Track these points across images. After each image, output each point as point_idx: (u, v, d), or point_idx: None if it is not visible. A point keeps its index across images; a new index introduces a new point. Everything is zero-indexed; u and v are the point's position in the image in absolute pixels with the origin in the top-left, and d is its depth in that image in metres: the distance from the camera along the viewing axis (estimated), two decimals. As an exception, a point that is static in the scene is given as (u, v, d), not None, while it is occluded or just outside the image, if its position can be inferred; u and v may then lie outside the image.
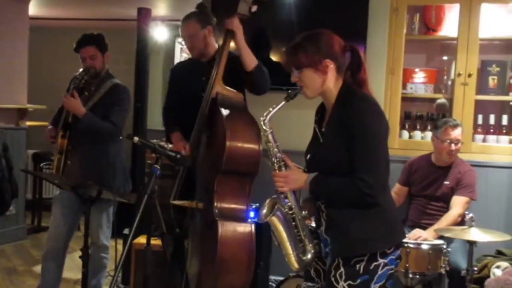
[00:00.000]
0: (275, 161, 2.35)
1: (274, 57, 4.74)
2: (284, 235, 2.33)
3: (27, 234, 6.22)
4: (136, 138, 2.66)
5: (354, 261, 2.25)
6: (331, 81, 2.32)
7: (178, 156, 2.78)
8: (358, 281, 2.24)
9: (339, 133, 2.25)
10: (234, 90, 3.26)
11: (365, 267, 2.24)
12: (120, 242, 3.51)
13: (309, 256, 2.36)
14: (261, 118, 2.36)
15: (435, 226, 3.75)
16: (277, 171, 2.36)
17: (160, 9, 6.59)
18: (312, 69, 2.29)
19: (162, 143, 3.82)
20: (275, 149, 2.36)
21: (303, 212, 2.38)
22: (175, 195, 3.30)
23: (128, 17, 6.71)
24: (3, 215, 5.47)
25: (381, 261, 2.26)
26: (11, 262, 5.38)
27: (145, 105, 6.33)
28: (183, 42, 3.56)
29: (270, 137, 2.35)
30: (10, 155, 5.45)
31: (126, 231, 4.30)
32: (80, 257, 3.22)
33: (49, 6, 6.80)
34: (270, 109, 2.35)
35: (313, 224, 2.49)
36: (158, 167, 2.67)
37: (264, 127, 2.35)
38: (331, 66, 2.30)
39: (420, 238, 3.67)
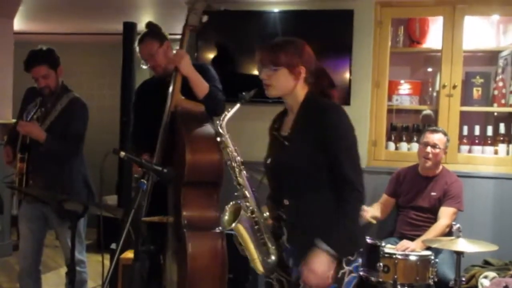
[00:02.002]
0: (235, 165, 2.33)
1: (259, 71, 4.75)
2: (249, 241, 2.31)
3: (12, 250, 6.14)
4: (122, 153, 2.64)
5: None
6: (299, 88, 2.36)
7: (165, 170, 2.76)
8: None
9: (307, 137, 2.28)
10: (194, 102, 3.27)
11: (333, 276, 2.24)
12: (107, 257, 3.47)
13: (273, 258, 2.35)
14: (217, 122, 2.34)
15: (423, 237, 3.76)
16: (238, 176, 2.32)
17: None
18: (287, 71, 2.31)
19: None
20: (234, 153, 2.34)
21: (264, 214, 2.36)
22: (145, 212, 3.27)
23: (113, 31, 6.71)
24: (-12, 231, 5.41)
25: (346, 268, 2.28)
26: (-4, 279, 5.32)
27: (131, 119, 6.30)
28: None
29: (228, 141, 2.34)
30: (-5, 170, 5.40)
31: (113, 246, 4.26)
32: (66, 273, 3.18)
33: (34, 21, 6.78)
34: (226, 112, 2.34)
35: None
36: (145, 182, 2.65)
37: (221, 132, 2.33)
38: (303, 75, 2.34)
39: (408, 249, 3.67)
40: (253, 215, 2.31)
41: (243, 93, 2.36)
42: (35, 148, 3.57)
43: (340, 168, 2.24)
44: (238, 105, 2.35)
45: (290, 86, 2.34)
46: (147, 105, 3.57)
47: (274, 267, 2.37)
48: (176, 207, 3.10)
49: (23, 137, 3.60)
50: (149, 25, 3.55)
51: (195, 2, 3.35)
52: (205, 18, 3.34)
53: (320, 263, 2.19)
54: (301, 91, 2.36)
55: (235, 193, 2.34)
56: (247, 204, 2.32)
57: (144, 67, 3.61)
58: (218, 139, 2.34)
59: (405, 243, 3.76)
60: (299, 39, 2.39)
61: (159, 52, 3.43)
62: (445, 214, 3.90)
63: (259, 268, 2.35)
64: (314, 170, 2.26)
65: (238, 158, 2.33)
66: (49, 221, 3.69)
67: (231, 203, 2.34)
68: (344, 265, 2.27)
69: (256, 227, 2.32)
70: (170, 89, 3.27)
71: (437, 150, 3.99)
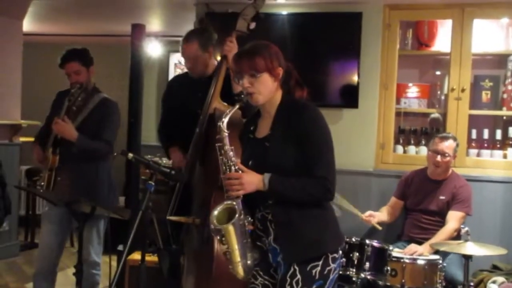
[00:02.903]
0: (232, 164, 2.32)
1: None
2: (235, 243, 2.30)
3: (20, 251, 6.16)
4: (130, 155, 2.65)
5: (310, 267, 2.30)
6: (278, 88, 2.39)
7: (173, 172, 2.76)
8: (314, 287, 2.30)
9: (287, 137, 2.31)
10: (230, 106, 3.26)
11: (320, 272, 2.31)
12: (114, 258, 3.48)
13: (249, 262, 2.35)
14: (219, 122, 2.34)
15: (431, 241, 3.74)
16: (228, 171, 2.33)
17: (154, 25, 6.61)
18: (268, 74, 2.34)
19: (156, 159, 3.82)
20: (230, 153, 2.33)
21: (248, 217, 2.35)
22: (172, 211, 3.28)
23: (122, 33, 6.73)
24: (-4, 231, 5.43)
25: (332, 265, 2.34)
26: (3, 279, 5.33)
27: (139, 120, 6.33)
28: (181, 61, 3.54)
29: (226, 140, 2.33)
30: (3, 171, 5.42)
31: (120, 247, 4.27)
32: (73, 274, 3.19)
33: (43, 22, 6.81)
34: (227, 111, 2.36)
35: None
36: (153, 183, 2.65)
37: (222, 129, 2.33)
38: (280, 76, 2.37)
39: (416, 253, 3.66)
40: (241, 217, 2.31)
41: (242, 95, 2.36)
42: (67, 145, 3.61)
43: (317, 165, 2.28)
44: (237, 106, 2.36)
45: (273, 89, 2.37)
46: (179, 100, 3.56)
47: (251, 271, 2.38)
48: (205, 209, 3.08)
49: (56, 133, 3.65)
50: (201, 21, 3.52)
51: (244, 8, 3.33)
52: (253, 25, 3.33)
53: (254, 178, 2.29)
54: (278, 92, 2.40)
55: (226, 194, 2.32)
56: (238, 205, 2.31)
57: (176, 62, 3.61)
58: (217, 136, 2.34)
59: (413, 247, 3.74)
60: (267, 42, 2.41)
61: (199, 59, 3.45)
62: (453, 218, 3.89)
63: (240, 272, 2.34)
64: (297, 167, 2.29)
65: (234, 158, 2.33)
66: (74, 221, 3.70)
67: (225, 201, 2.32)
68: (330, 262, 2.33)
69: (242, 230, 2.32)
70: (211, 90, 3.26)
71: (447, 158, 3.98)
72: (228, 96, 3.26)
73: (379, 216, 4.12)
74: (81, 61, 3.70)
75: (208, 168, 3.16)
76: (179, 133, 3.47)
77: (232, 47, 3.26)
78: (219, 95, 3.25)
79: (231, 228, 2.27)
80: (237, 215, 2.27)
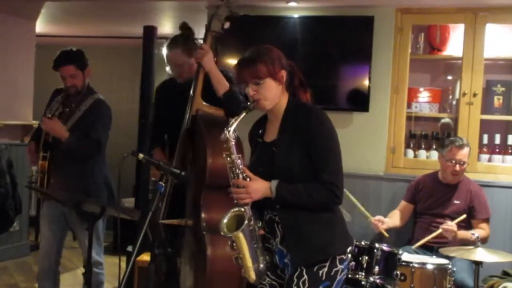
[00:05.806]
0: (239, 172, 2.33)
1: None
2: (246, 249, 2.31)
3: (30, 251, 6.19)
4: (141, 155, 2.66)
5: (317, 268, 2.32)
6: (283, 92, 2.39)
7: (183, 173, 2.77)
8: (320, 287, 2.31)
9: (294, 141, 2.32)
10: (214, 107, 3.28)
11: (327, 273, 2.32)
12: (123, 259, 3.49)
13: (262, 265, 2.36)
14: (225, 131, 2.33)
15: (467, 233, 3.80)
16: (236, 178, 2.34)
17: (166, 27, 6.62)
18: (272, 79, 2.34)
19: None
20: (238, 161, 2.33)
21: (258, 222, 2.36)
22: (164, 214, 3.27)
23: (134, 34, 6.75)
24: (7, 231, 5.46)
25: (339, 267, 2.35)
26: (14, 278, 5.36)
27: (149, 122, 6.34)
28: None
29: (233, 148, 2.33)
30: (15, 171, 5.45)
31: (129, 248, 4.28)
32: (83, 274, 3.20)
33: (55, 23, 6.85)
34: (233, 120, 2.35)
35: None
36: (163, 184, 2.66)
37: (229, 138, 2.32)
38: (284, 78, 2.37)
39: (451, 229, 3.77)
40: (251, 223, 2.31)
41: (248, 103, 2.36)
42: (57, 147, 3.60)
43: (325, 170, 2.29)
44: (244, 114, 2.35)
45: (278, 92, 2.37)
46: (167, 105, 3.60)
47: (264, 274, 2.40)
48: (196, 210, 3.11)
49: (46, 135, 3.64)
50: (183, 27, 3.52)
51: (217, 8, 3.36)
52: (227, 25, 3.35)
53: (261, 185, 2.30)
54: (284, 96, 2.40)
55: (235, 201, 2.32)
56: (246, 211, 2.31)
57: (168, 71, 3.62)
58: (224, 145, 2.34)
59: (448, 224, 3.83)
60: (267, 46, 2.41)
61: (184, 65, 3.47)
62: (484, 226, 3.98)
63: (252, 276, 2.35)
64: (305, 172, 2.31)
65: (241, 166, 2.33)
66: (69, 221, 3.71)
67: (234, 208, 2.33)
68: (337, 263, 2.34)
69: (252, 235, 2.32)
70: (191, 92, 3.29)
71: (464, 166, 4.00)
72: (213, 95, 3.28)
73: (388, 222, 4.10)
74: (77, 64, 3.64)
75: (196, 168, 3.18)
76: (169, 136, 3.50)
77: (203, 54, 3.26)
78: (200, 96, 3.28)
79: (240, 235, 2.28)
80: (246, 222, 2.28)
